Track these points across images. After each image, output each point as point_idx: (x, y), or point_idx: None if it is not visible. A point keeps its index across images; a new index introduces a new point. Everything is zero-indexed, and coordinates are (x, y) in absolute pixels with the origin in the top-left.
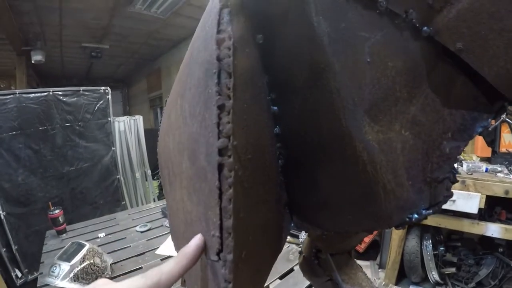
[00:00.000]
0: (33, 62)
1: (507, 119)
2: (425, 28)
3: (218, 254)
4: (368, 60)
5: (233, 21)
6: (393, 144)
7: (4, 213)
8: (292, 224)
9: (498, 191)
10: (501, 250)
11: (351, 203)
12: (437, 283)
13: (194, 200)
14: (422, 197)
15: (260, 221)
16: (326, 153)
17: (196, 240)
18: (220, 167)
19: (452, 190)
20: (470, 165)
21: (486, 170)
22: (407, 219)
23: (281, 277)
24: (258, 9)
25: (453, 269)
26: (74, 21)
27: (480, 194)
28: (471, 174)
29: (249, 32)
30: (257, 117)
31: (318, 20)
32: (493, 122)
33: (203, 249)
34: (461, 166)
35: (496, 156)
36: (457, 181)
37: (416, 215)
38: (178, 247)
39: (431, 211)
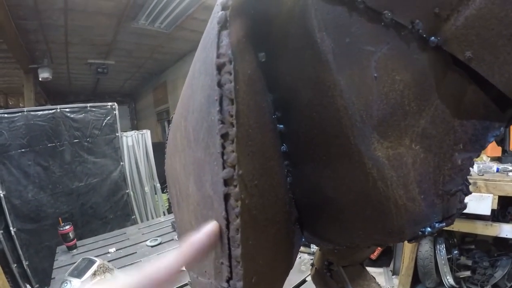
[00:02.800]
0: (40, 79)
1: None
2: (433, 38)
3: (227, 281)
4: (375, 75)
5: (234, 44)
6: (404, 159)
7: (14, 229)
8: (303, 239)
9: (511, 191)
10: None
11: (362, 219)
12: (452, 287)
13: (201, 224)
14: (435, 210)
15: (270, 244)
16: (334, 170)
17: (209, 229)
18: (227, 197)
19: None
20: (481, 166)
21: (497, 170)
22: (420, 232)
23: None
24: (260, 27)
25: (468, 273)
26: (80, 38)
27: (492, 195)
28: (482, 175)
29: (251, 51)
30: (263, 139)
31: (321, 36)
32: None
33: (215, 241)
34: (472, 167)
35: (506, 155)
36: (471, 193)
37: (429, 229)
38: (187, 266)
39: (444, 224)
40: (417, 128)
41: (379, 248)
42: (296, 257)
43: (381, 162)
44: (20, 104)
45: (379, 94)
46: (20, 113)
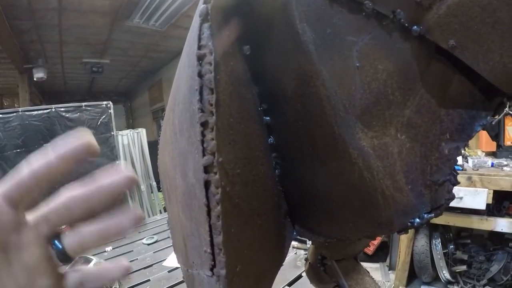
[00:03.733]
0: (35, 79)
1: (510, 112)
2: (415, 27)
3: (211, 269)
4: (357, 64)
5: (215, 36)
6: (389, 149)
7: None
8: (295, 233)
9: (505, 185)
10: None
11: (350, 210)
12: (448, 282)
13: (187, 216)
14: (423, 201)
15: (256, 234)
16: (321, 161)
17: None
18: (207, 184)
19: (458, 187)
20: (476, 161)
21: (492, 165)
22: (409, 223)
23: (289, 284)
24: (243, 20)
25: (464, 267)
26: (74, 38)
27: (487, 189)
28: (477, 169)
29: (234, 44)
30: (247, 130)
31: (302, 27)
32: (496, 115)
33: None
34: (467, 162)
35: (501, 150)
36: (459, 183)
37: (418, 219)
38: (179, 260)
39: (432, 214)
40: (402, 118)
41: (374, 243)
42: (288, 251)
43: (366, 152)
44: (15, 105)
45: (362, 83)
46: (15, 113)
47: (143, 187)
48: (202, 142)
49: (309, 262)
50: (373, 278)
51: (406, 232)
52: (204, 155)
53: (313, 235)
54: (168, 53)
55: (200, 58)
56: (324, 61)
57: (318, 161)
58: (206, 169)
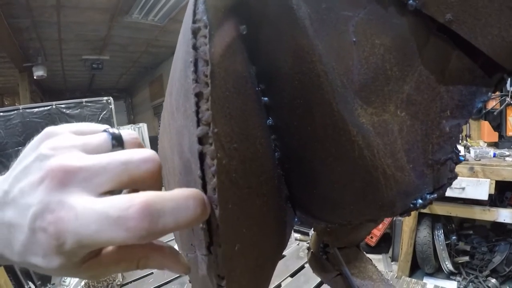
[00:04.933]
0: (35, 77)
1: None
2: (411, 1)
3: (208, 248)
4: (354, 39)
5: (210, 11)
6: (389, 126)
7: None
8: (296, 219)
9: (508, 176)
10: None
11: (352, 192)
12: (451, 273)
13: None
14: (425, 181)
15: (255, 215)
16: (321, 141)
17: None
18: (202, 156)
19: (460, 177)
20: (478, 151)
21: (494, 155)
22: (411, 205)
23: (292, 275)
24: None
25: (466, 258)
26: (73, 34)
27: (489, 180)
28: (479, 160)
29: (230, 22)
30: (244, 106)
31: (297, 2)
32: (498, 106)
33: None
34: (469, 152)
35: (503, 141)
36: (461, 162)
37: (420, 200)
38: (179, 247)
39: (435, 195)
40: (401, 94)
41: (377, 235)
42: (289, 237)
43: (366, 129)
44: (16, 104)
45: (359, 58)
46: (15, 111)
47: None
48: (197, 113)
49: (312, 251)
50: (375, 266)
51: (409, 215)
52: (198, 125)
53: (314, 221)
54: (168, 48)
55: (195, 32)
56: (320, 37)
57: (317, 141)
58: (201, 140)
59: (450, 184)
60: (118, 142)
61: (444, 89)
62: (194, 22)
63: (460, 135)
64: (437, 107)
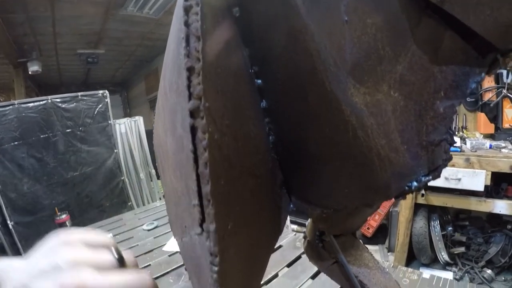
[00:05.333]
0: (30, 73)
1: (508, 94)
2: None
3: (201, 225)
4: (346, 18)
5: None
6: (383, 106)
7: (12, 223)
8: (291, 206)
9: (504, 167)
10: (510, 227)
11: (346, 175)
12: (447, 264)
13: (178, 175)
14: (420, 162)
15: (248, 195)
16: (314, 122)
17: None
18: (193, 130)
19: (456, 168)
20: (474, 142)
21: (490, 147)
22: (406, 187)
23: (288, 265)
24: None
25: (462, 249)
26: (68, 29)
27: (485, 171)
28: (475, 151)
29: (223, 4)
30: (236, 86)
31: None
32: (494, 98)
33: None
34: (465, 143)
35: (499, 132)
36: (455, 142)
37: (415, 183)
38: (174, 233)
39: (430, 177)
40: (394, 74)
41: (373, 226)
42: (285, 224)
43: (359, 108)
44: (11, 100)
45: (351, 37)
46: (11, 106)
47: (142, 175)
48: (189, 87)
49: (308, 240)
50: (371, 254)
51: (404, 198)
52: (190, 100)
53: (309, 207)
54: (164, 41)
55: (187, 9)
56: (312, 16)
57: (311, 122)
58: (192, 114)
59: (445, 165)
60: (120, 262)
61: (437, 70)
62: (186, 0)
63: (456, 126)
64: (431, 87)
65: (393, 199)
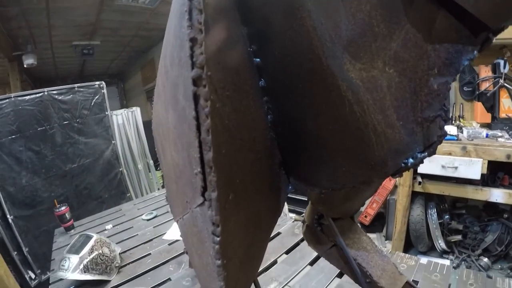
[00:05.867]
0: (25, 66)
1: (505, 84)
2: None
3: (203, 194)
4: None
5: None
6: (378, 82)
7: (11, 216)
8: (290, 187)
9: (500, 156)
10: (506, 215)
11: (343, 152)
12: (444, 251)
13: (179, 148)
14: (415, 138)
15: (248, 169)
16: (312, 99)
17: None
18: (196, 97)
19: (453, 157)
20: (471, 131)
21: (487, 136)
22: (402, 164)
23: (287, 252)
24: None
25: (459, 237)
26: (62, 20)
27: (481, 159)
28: (472, 140)
29: None
30: (235, 60)
31: None
32: (491, 88)
33: None
34: (462, 132)
35: (496, 122)
36: (449, 119)
37: (411, 159)
38: (174, 213)
39: (426, 153)
40: (389, 51)
41: (371, 214)
42: (284, 204)
43: (355, 84)
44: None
45: (347, 14)
46: (7, 100)
47: (140, 166)
48: (192, 57)
49: (306, 224)
50: (369, 237)
51: (401, 175)
52: (193, 68)
53: (308, 187)
54: (160, 31)
55: None
56: None
57: (308, 99)
58: (195, 82)
59: (440, 141)
60: None
61: (431, 48)
62: None
63: (453, 115)
64: (425, 65)
65: (390, 180)
